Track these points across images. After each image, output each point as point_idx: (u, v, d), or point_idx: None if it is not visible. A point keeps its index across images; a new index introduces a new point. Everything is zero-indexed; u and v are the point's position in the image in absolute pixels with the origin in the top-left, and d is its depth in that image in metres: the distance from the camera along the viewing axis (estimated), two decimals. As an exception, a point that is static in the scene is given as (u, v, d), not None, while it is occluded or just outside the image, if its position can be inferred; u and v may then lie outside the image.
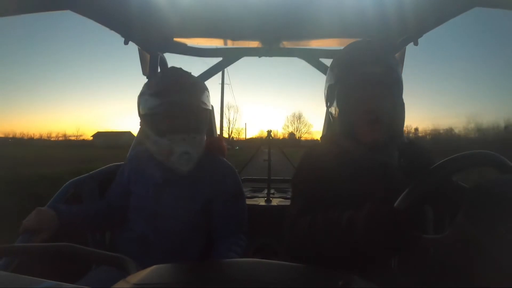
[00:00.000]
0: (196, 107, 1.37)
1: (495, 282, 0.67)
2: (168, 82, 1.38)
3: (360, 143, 1.11)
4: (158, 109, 1.33)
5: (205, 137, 1.46)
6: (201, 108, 1.39)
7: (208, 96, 1.46)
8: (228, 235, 1.38)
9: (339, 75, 1.17)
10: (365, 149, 1.10)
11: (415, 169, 0.94)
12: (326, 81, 1.24)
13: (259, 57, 2.18)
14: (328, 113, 1.27)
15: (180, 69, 1.49)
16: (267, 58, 2.22)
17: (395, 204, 0.83)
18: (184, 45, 2.14)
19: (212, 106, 1.98)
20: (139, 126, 1.55)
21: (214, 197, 1.40)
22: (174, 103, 1.33)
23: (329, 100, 1.23)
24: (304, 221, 0.98)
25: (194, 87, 1.40)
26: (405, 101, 1.18)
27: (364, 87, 1.10)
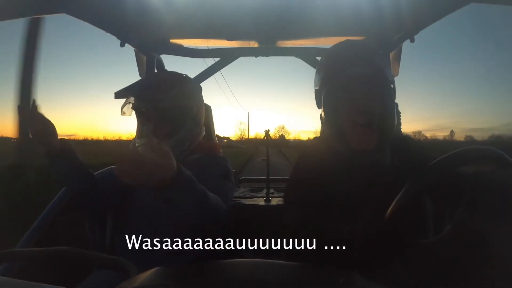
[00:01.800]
0: (162, 112, 1.32)
1: (498, 277, 0.67)
2: (134, 86, 1.37)
3: (350, 147, 1.09)
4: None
5: (190, 140, 1.41)
6: (169, 113, 1.33)
7: (189, 99, 1.40)
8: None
9: (324, 78, 1.13)
10: (357, 152, 1.09)
11: (409, 167, 0.94)
12: (314, 85, 1.21)
13: (256, 56, 2.18)
14: (320, 116, 1.23)
15: (161, 72, 1.46)
16: (264, 58, 2.22)
17: (386, 216, 0.83)
18: (181, 46, 2.13)
19: (209, 107, 1.98)
20: None
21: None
22: (135, 109, 1.34)
23: (318, 103, 1.20)
24: (306, 231, 0.99)
25: (161, 91, 1.33)
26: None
27: (349, 89, 1.07)
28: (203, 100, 1.50)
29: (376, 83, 1.08)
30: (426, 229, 1.08)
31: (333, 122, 1.12)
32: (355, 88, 1.06)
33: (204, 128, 1.52)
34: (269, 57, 2.22)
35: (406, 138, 1.24)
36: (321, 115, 1.21)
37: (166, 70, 2.10)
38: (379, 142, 1.08)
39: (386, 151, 1.12)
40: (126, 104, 1.34)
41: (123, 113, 1.36)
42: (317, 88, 1.17)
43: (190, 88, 1.42)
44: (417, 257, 0.83)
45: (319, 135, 1.50)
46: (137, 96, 1.32)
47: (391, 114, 1.11)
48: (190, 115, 1.39)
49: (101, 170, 1.83)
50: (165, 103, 1.31)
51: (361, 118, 1.05)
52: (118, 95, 1.33)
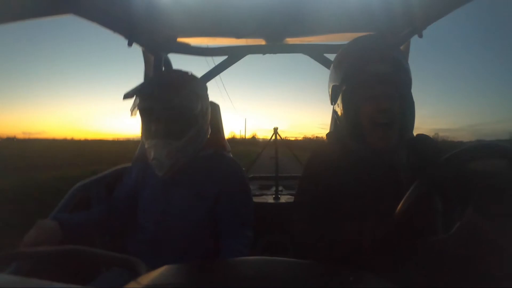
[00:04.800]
0: (174, 111, 1.31)
1: (505, 277, 0.66)
2: (144, 85, 1.36)
3: (369, 146, 1.07)
4: (140, 111, 1.36)
5: (201, 138, 1.42)
6: (181, 112, 1.33)
7: (198, 97, 1.39)
8: (234, 231, 1.35)
9: (345, 74, 1.09)
10: (374, 151, 1.07)
11: (424, 165, 0.93)
12: (330, 79, 1.18)
13: (264, 54, 2.17)
14: (334, 112, 1.20)
15: (169, 71, 1.45)
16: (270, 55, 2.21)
17: (395, 213, 0.82)
18: (188, 45, 2.14)
19: (218, 106, 1.98)
20: None
21: (220, 193, 1.38)
22: (145, 109, 1.33)
23: (334, 100, 1.17)
24: (317, 233, 0.98)
25: (173, 91, 1.32)
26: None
27: (375, 87, 1.04)
28: (208, 97, 1.51)
29: (399, 81, 1.06)
30: (435, 227, 1.07)
31: (352, 120, 1.09)
32: (378, 86, 1.04)
33: (209, 125, 1.53)
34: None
35: (422, 137, 1.21)
36: (335, 111, 1.18)
37: (173, 69, 2.10)
38: (398, 141, 1.06)
39: (403, 150, 1.10)
40: (136, 105, 1.33)
41: (131, 114, 1.36)
42: (336, 84, 1.13)
43: (198, 86, 1.43)
44: (426, 254, 0.82)
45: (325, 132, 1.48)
46: (148, 96, 1.32)
47: (411, 112, 1.09)
48: (200, 112, 1.39)
49: (111, 169, 1.84)
50: (177, 102, 1.30)
51: (383, 117, 1.03)
52: (127, 96, 1.33)
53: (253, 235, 1.38)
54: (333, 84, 1.15)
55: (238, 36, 2.00)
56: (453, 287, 0.77)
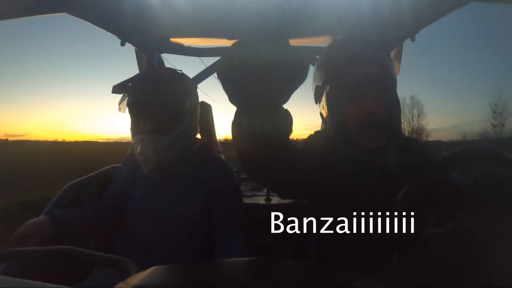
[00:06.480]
0: (163, 106, 1.32)
1: (496, 278, 0.67)
2: (134, 80, 1.36)
3: (356, 148, 1.05)
4: (129, 106, 1.35)
5: (189, 136, 1.42)
6: (169, 107, 1.33)
7: (188, 94, 1.40)
8: (228, 233, 1.35)
9: (329, 74, 1.07)
10: (362, 153, 1.05)
11: (412, 166, 0.93)
12: (314, 80, 1.16)
13: None
14: (320, 114, 1.18)
15: (157, 68, 1.46)
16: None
17: (396, 199, 0.82)
18: (181, 45, 2.13)
19: (209, 106, 1.98)
20: None
21: (212, 195, 1.37)
22: (134, 103, 1.33)
23: (318, 101, 1.16)
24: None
25: (163, 86, 1.33)
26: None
27: (356, 88, 1.02)
28: (198, 96, 1.51)
29: (383, 82, 1.04)
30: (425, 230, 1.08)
31: (337, 122, 1.07)
32: (362, 88, 1.02)
33: (199, 125, 1.53)
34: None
35: (409, 139, 1.21)
36: (321, 113, 1.17)
37: (164, 67, 2.10)
38: (385, 143, 1.05)
39: (391, 152, 1.10)
40: (124, 99, 1.33)
41: (120, 109, 1.36)
42: (319, 84, 1.12)
43: (187, 83, 1.44)
44: (417, 253, 0.83)
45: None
46: (137, 89, 1.32)
47: (397, 113, 1.08)
48: (189, 109, 1.39)
49: (100, 170, 1.83)
50: (166, 96, 1.31)
51: (368, 119, 1.01)
52: (116, 89, 1.32)
53: (246, 241, 1.37)
54: (316, 84, 1.14)
55: (231, 37, 2.00)
56: (444, 287, 0.77)
